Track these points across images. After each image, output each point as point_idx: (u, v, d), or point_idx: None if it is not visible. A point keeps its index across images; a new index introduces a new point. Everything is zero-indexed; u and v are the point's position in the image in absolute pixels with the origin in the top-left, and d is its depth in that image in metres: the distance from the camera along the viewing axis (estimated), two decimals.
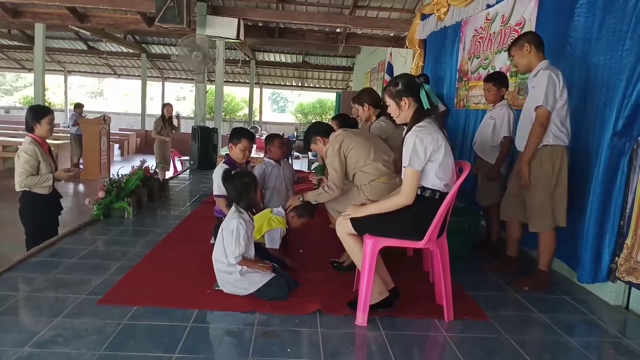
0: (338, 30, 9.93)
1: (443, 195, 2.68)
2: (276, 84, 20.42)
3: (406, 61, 8.94)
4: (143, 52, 16.04)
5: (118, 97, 32.27)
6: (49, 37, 15.27)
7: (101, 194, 4.62)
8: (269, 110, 31.47)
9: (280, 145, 4.20)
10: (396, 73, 9.56)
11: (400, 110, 2.73)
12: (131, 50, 16.02)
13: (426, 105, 2.65)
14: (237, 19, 8.18)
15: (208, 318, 2.73)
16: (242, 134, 3.92)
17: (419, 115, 2.67)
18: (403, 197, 2.65)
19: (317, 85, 19.59)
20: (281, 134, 14.29)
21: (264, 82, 19.94)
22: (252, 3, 8.63)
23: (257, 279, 2.96)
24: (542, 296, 3.31)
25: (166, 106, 9.09)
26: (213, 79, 10.40)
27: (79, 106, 10.86)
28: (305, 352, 2.39)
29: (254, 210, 3.28)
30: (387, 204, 2.75)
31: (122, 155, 15.03)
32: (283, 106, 34.28)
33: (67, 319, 2.57)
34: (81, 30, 11.85)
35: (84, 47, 16.37)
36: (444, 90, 6.72)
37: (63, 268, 3.34)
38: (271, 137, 4.29)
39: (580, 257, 3.27)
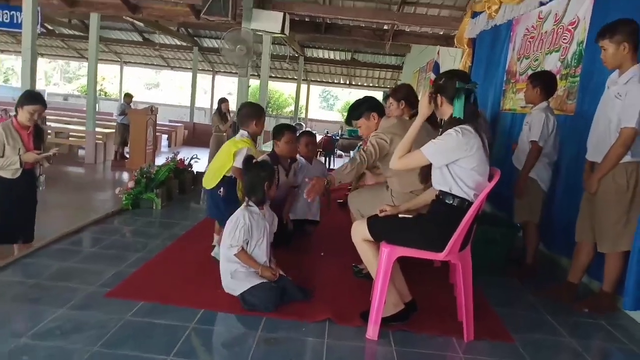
0: (385, 27, 9.69)
1: (470, 204, 2.47)
2: (324, 81, 20.30)
3: (455, 60, 8.62)
4: (195, 46, 16.30)
5: (173, 89, 33.14)
6: (106, 28, 15.79)
7: (131, 184, 4.65)
8: (317, 107, 31.46)
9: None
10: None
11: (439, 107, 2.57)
12: (184, 43, 16.32)
13: (457, 114, 2.45)
14: (282, 13, 8.09)
15: (213, 319, 2.63)
16: (285, 127, 3.85)
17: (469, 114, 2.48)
18: (393, 161, 2.62)
19: (366, 84, 19.34)
20: (325, 131, 14.21)
21: (312, 79, 19.88)
22: None
23: (243, 281, 2.80)
24: (578, 319, 3.03)
25: (223, 101, 9.15)
26: (259, 74, 10.39)
27: (128, 96, 11.12)
28: None
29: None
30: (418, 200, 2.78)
31: (169, 146, 15.34)
32: (332, 104, 34.18)
33: (71, 310, 2.55)
34: (136, 22, 12.15)
35: (139, 39, 16.82)
36: (491, 92, 6.39)
37: (81, 257, 3.35)
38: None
39: (625, 281, 2.97)
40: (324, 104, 34.25)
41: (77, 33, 15.04)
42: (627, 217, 2.97)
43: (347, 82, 19.69)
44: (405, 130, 2.84)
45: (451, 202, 2.48)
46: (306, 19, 9.94)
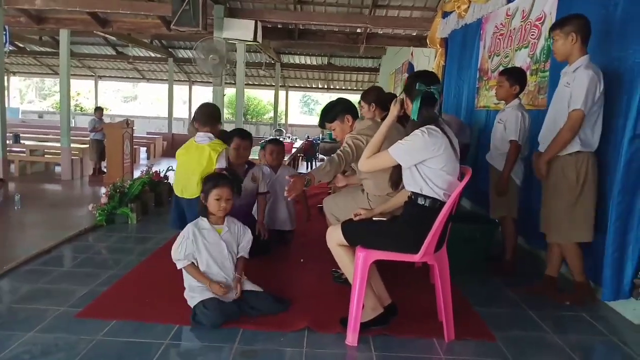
0: (358, 30, 9.70)
1: (443, 204, 2.44)
2: (302, 87, 20.25)
3: (430, 60, 8.66)
4: (170, 57, 16.14)
5: (150, 101, 32.81)
6: (78, 43, 15.58)
7: (104, 200, 4.55)
8: (298, 112, 31.43)
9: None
10: None
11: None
12: (158, 55, 16.16)
13: (413, 115, 2.46)
14: (253, 21, 8.05)
15: (188, 334, 2.57)
16: (235, 133, 3.76)
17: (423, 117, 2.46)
18: (361, 162, 2.61)
19: (344, 87, 19.34)
20: (306, 136, 14.17)
21: (290, 85, 19.83)
22: (270, 4, 8.50)
23: (197, 294, 2.73)
24: (559, 314, 3.02)
25: None
26: (234, 82, 10.33)
27: (98, 110, 10.80)
28: None
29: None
30: (391, 202, 2.75)
31: (148, 158, 15.15)
32: (313, 108, 34.19)
33: (40, 333, 2.46)
34: (109, 36, 12.00)
35: (113, 53, 16.62)
36: (465, 90, 6.43)
37: (51, 277, 3.25)
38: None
39: (602, 272, 2.97)
40: (305, 109, 34.22)
41: (48, 50, 14.81)
42: (574, 210, 3.03)
43: (326, 87, 19.68)
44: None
45: (423, 202, 2.46)
46: (279, 26, 9.91)
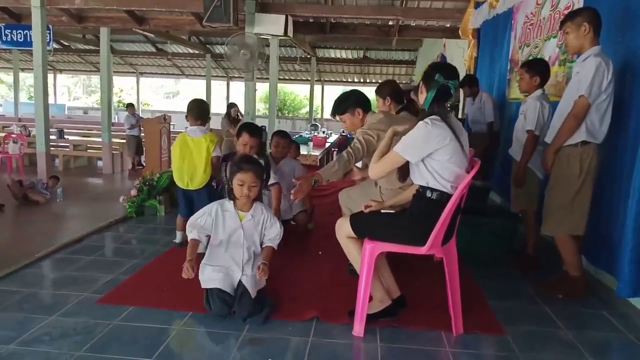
0: (390, 23, 9.62)
1: (450, 197, 2.43)
2: (338, 81, 20.24)
3: (465, 52, 8.51)
4: (207, 53, 16.46)
5: (192, 97, 33.50)
6: (120, 41, 16.10)
7: (134, 192, 4.72)
8: None
9: (275, 144, 4.22)
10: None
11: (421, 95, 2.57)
12: (196, 51, 16.50)
13: (426, 104, 2.44)
14: (284, 16, 8.11)
15: (200, 321, 2.65)
16: (243, 127, 3.81)
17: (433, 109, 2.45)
18: (371, 170, 2.59)
19: (380, 81, 19.16)
20: (341, 130, 14.17)
21: (326, 79, 19.85)
22: None
23: (206, 279, 2.74)
24: (576, 309, 2.96)
25: (233, 106, 9.21)
26: (267, 77, 10.44)
27: (130, 106, 11.12)
28: None
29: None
30: (403, 195, 2.72)
31: None
32: None
33: (61, 317, 2.60)
34: (148, 34, 12.35)
35: (153, 49, 17.08)
36: (496, 82, 6.30)
37: (79, 265, 3.42)
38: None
39: (620, 267, 2.89)
40: None
41: (91, 47, 15.34)
42: (572, 204, 3.00)
43: (362, 80, 19.59)
44: (391, 125, 2.81)
45: (430, 195, 2.45)
46: (310, 20, 9.94)
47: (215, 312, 2.64)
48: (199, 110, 3.71)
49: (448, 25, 9.22)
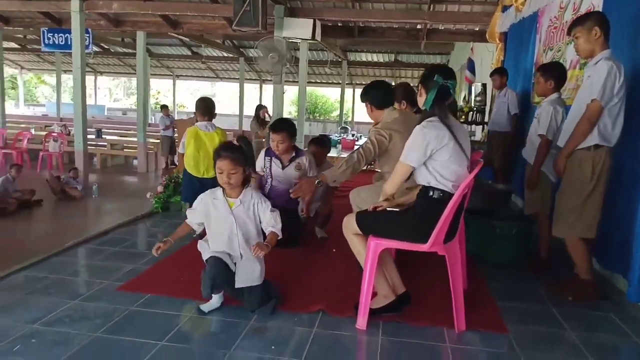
0: (419, 26, 9.64)
1: (452, 196, 2.50)
2: None
3: (493, 56, 8.46)
4: (241, 56, 16.79)
5: (228, 99, 34.08)
6: (157, 44, 16.59)
7: (160, 189, 4.93)
8: (365, 110, 31.36)
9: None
10: (479, 69, 9.09)
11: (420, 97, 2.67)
12: (230, 55, 16.85)
13: (426, 105, 2.52)
14: (312, 20, 8.26)
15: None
16: (272, 126, 4.03)
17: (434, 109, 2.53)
18: (386, 190, 2.69)
19: (411, 84, 19.16)
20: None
21: (357, 83, 19.95)
22: (329, 3, 8.66)
23: (203, 251, 2.83)
24: (584, 311, 2.96)
25: (261, 108, 9.42)
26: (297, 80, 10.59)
27: (164, 108, 11.45)
28: (288, 351, 2.36)
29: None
30: (410, 195, 2.76)
31: None
32: None
33: (83, 302, 2.79)
34: (184, 38, 12.71)
35: (188, 53, 17.54)
36: (521, 85, 6.26)
37: (104, 255, 3.62)
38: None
39: (631, 272, 2.88)
40: None
41: (129, 51, 15.87)
42: (584, 207, 2.99)
43: (393, 84, 19.60)
44: (406, 126, 2.89)
45: (432, 195, 2.53)
46: (339, 24, 10.06)
47: (204, 284, 2.64)
48: (205, 108, 4.16)
49: (477, 29, 9.17)
